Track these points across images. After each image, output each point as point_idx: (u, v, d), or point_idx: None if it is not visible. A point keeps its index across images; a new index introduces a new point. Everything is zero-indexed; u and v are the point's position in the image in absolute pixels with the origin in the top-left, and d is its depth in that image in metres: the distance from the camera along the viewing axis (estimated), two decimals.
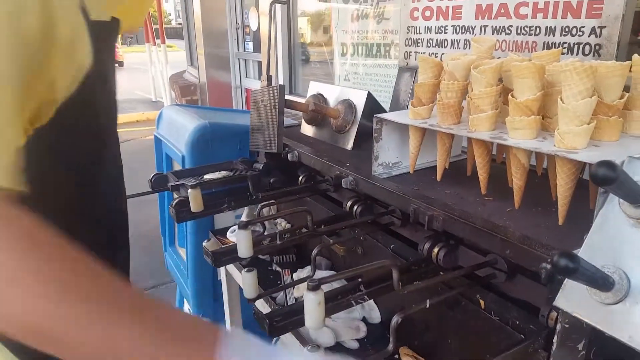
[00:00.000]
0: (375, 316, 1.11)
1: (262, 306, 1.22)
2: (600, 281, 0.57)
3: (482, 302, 0.80)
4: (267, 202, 1.22)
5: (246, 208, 1.49)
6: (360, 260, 1.17)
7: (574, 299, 0.63)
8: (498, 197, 0.91)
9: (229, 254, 1.02)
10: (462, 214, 0.85)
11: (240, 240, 0.89)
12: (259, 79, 3.43)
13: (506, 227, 0.78)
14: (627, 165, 0.62)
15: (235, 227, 0.96)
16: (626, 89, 0.75)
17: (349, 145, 1.37)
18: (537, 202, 0.86)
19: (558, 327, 0.68)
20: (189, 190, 1.17)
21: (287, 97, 1.42)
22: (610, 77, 0.69)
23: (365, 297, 0.79)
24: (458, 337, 0.88)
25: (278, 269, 1.33)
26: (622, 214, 0.59)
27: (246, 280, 0.87)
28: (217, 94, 4.00)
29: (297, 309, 0.72)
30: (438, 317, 0.90)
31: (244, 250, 0.89)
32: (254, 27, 3.54)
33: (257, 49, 3.51)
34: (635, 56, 0.73)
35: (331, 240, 1.17)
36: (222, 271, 1.58)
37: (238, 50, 3.84)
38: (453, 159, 1.20)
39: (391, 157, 1.12)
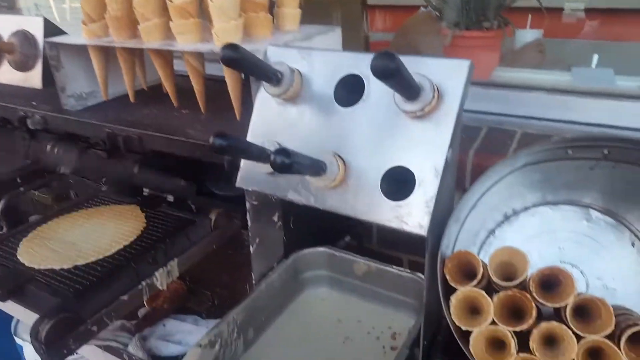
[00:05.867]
0: None
1: None
2: (256, 153, 0.66)
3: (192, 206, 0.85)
4: None
5: None
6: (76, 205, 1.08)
7: (249, 177, 0.72)
8: (191, 108, 0.94)
9: None
10: (157, 129, 0.86)
11: None
12: None
13: (194, 133, 0.82)
14: (269, 52, 0.71)
15: None
16: None
17: (38, 83, 1.19)
18: (225, 104, 0.92)
19: (247, 205, 0.77)
20: None
21: None
22: None
23: None
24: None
25: None
26: (268, 95, 0.69)
27: None
28: None
29: None
30: None
31: None
32: None
33: None
34: None
35: (37, 193, 1.05)
36: None
37: None
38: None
39: (82, 86, 1.03)
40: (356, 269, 0.86)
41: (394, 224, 0.56)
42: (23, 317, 0.80)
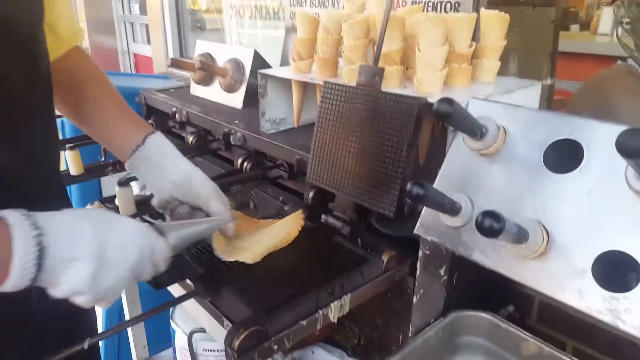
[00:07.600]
0: None
1: None
2: (448, 206, 0.64)
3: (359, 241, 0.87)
4: None
5: None
6: (252, 214, 1.18)
7: (430, 226, 0.70)
8: None
9: None
10: None
11: (121, 197, 0.86)
12: (148, 42, 3.20)
13: None
14: (471, 105, 0.70)
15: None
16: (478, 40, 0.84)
17: (239, 104, 1.36)
18: None
19: (420, 253, 0.76)
20: (67, 152, 1.10)
21: (172, 57, 1.36)
22: (459, 27, 0.76)
23: None
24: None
25: None
26: (466, 147, 0.67)
27: (121, 197, 0.85)
28: (102, 59, 3.69)
29: None
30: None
31: (125, 208, 0.86)
32: None
33: (143, 11, 3.27)
34: (482, 10, 0.81)
35: None
36: None
37: (123, 12, 3.55)
38: None
39: (278, 113, 1.14)
40: (523, 347, 0.78)
41: (606, 317, 0.49)
42: (197, 312, 0.87)
